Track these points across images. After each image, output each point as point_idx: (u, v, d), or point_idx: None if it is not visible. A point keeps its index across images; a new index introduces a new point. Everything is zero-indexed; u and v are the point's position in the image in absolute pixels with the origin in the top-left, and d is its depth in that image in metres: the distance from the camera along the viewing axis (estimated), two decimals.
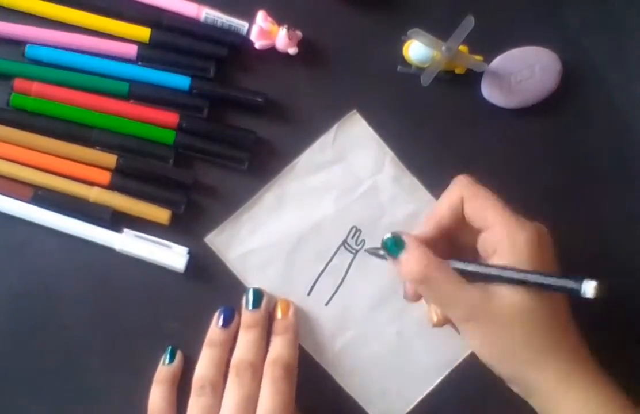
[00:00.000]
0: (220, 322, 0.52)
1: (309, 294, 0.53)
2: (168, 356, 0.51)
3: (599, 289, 0.40)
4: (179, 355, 0.52)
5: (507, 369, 0.46)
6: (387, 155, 0.55)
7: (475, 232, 0.47)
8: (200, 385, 0.49)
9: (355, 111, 0.55)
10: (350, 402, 0.53)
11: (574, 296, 0.41)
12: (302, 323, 0.53)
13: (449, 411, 0.53)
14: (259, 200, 0.54)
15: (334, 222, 0.54)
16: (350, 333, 0.53)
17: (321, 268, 0.54)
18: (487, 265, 0.45)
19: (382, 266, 0.53)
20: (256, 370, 0.50)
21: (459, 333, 0.46)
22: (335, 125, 0.55)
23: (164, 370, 0.51)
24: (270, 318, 0.53)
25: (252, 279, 0.53)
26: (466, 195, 0.47)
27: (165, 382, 0.51)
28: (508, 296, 0.44)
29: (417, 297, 0.48)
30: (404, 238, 0.46)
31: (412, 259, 0.46)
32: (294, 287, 0.53)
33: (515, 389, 0.46)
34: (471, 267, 0.45)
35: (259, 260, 0.53)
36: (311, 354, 0.53)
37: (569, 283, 0.42)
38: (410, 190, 0.55)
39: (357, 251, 0.54)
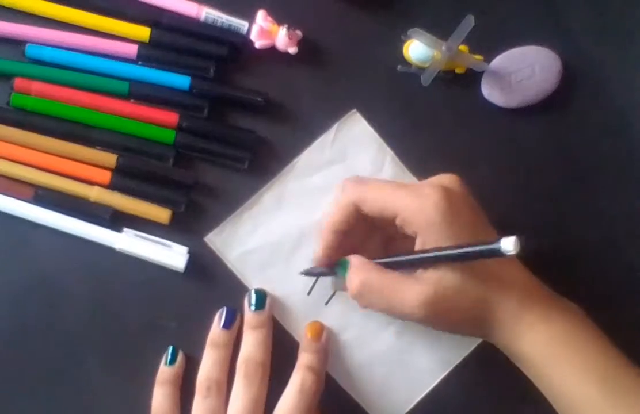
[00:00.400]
0: (223, 322, 0.51)
1: (309, 294, 0.53)
2: (170, 357, 0.51)
3: (518, 243, 0.40)
4: (180, 355, 0.52)
5: (465, 333, 0.48)
6: (387, 155, 0.55)
7: (390, 221, 0.47)
8: (206, 386, 0.49)
9: (355, 110, 0.55)
10: (350, 402, 0.53)
11: (498, 257, 0.42)
12: (302, 323, 0.53)
13: (449, 411, 0.53)
14: (259, 199, 0.54)
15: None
16: (350, 332, 0.53)
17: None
18: (406, 254, 0.46)
19: None
20: (265, 369, 0.50)
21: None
22: (335, 125, 0.55)
23: (167, 371, 0.51)
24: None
25: (252, 279, 0.53)
26: (361, 197, 0.47)
27: (168, 383, 0.51)
28: (449, 279, 0.44)
29: (363, 306, 0.49)
30: (349, 258, 0.48)
31: (354, 273, 0.47)
32: (294, 287, 0.53)
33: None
34: (394, 259, 0.47)
35: (259, 260, 0.53)
36: None
37: (488, 246, 0.42)
38: None
39: None
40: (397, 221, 0.47)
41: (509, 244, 0.40)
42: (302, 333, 0.53)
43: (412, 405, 0.53)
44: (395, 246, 0.50)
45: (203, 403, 0.49)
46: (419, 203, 0.45)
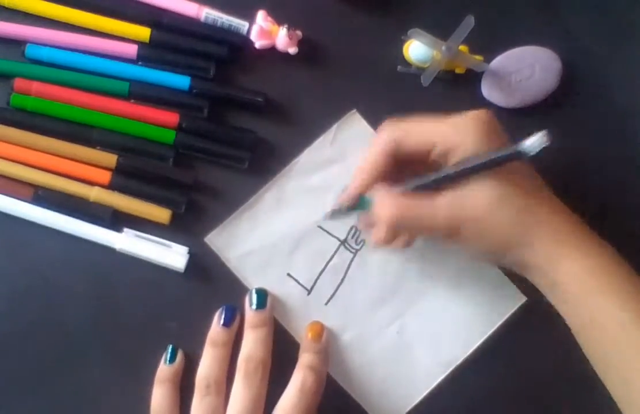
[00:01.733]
0: (222, 321, 0.51)
1: (309, 293, 0.53)
2: (169, 356, 0.51)
3: (540, 140, 0.42)
4: (180, 354, 0.52)
5: (502, 258, 0.47)
6: None
7: (424, 156, 0.47)
8: (205, 385, 0.49)
9: (354, 111, 0.55)
10: (350, 401, 0.53)
11: (526, 158, 0.43)
12: (302, 322, 0.53)
13: (449, 411, 0.53)
14: (258, 199, 0.54)
15: (334, 222, 0.54)
16: (350, 332, 0.53)
17: (321, 267, 0.54)
18: (442, 170, 0.46)
19: (382, 265, 0.53)
20: (265, 369, 0.50)
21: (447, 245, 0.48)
22: (335, 125, 0.55)
23: (166, 370, 0.51)
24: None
25: (252, 279, 0.53)
26: (399, 136, 0.47)
27: (168, 382, 0.51)
28: (478, 191, 0.45)
29: (389, 240, 0.49)
30: (374, 192, 0.48)
31: (385, 207, 0.47)
32: (294, 286, 0.53)
33: (514, 269, 0.48)
34: (430, 178, 0.46)
35: (259, 260, 0.53)
36: None
37: (518, 146, 0.43)
38: None
39: (357, 250, 0.54)
40: (434, 153, 0.47)
41: (535, 139, 0.43)
42: (302, 333, 0.53)
43: (411, 406, 0.53)
44: None
45: (202, 401, 0.49)
46: (457, 130, 0.46)
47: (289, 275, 0.54)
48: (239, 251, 0.53)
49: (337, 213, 0.52)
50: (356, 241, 0.54)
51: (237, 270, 0.53)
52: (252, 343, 0.51)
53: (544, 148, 0.43)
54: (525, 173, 0.47)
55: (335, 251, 0.54)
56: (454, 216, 0.46)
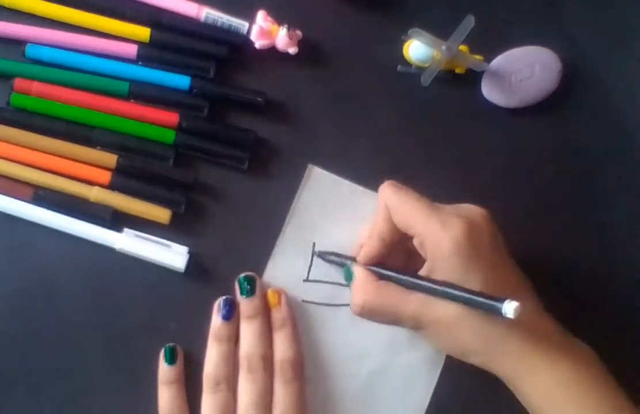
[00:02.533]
0: (223, 315, 0.51)
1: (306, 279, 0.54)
2: (169, 356, 0.51)
3: (519, 310, 0.40)
4: (179, 353, 0.52)
5: (467, 359, 0.47)
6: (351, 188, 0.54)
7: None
8: (214, 382, 0.50)
9: (311, 165, 0.54)
10: None
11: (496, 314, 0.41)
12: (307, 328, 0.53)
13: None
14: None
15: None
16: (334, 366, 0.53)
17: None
18: (416, 277, 0.46)
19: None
20: (267, 362, 0.50)
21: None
22: (299, 189, 0.54)
23: (169, 370, 0.51)
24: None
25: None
26: (390, 205, 0.47)
27: (173, 382, 0.51)
28: (448, 305, 0.44)
29: (363, 317, 0.49)
30: (354, 269, 0.49)
31: (357, 291, 0.48)
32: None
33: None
34: (403, 279, 0.46)
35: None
36: None
37: (492, 303, 0.41)
38: None
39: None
40: (415, 242, 0.46)
41: (510, 309, 0.40)
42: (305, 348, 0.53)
43: None
44: (416, 259, 0.48)
45: (213, 398, 0.49)
46: (440, 233, 0.44)
47: (315, 254, 0.54)
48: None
49: (325, 256, 0.53)
50: None
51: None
52: (250, 336, 0.51)
53: None
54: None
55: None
56: (421, 316, 0.45)
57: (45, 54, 0.53)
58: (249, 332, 0.51)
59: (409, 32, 0.52)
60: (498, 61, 0.55)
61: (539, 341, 0.45)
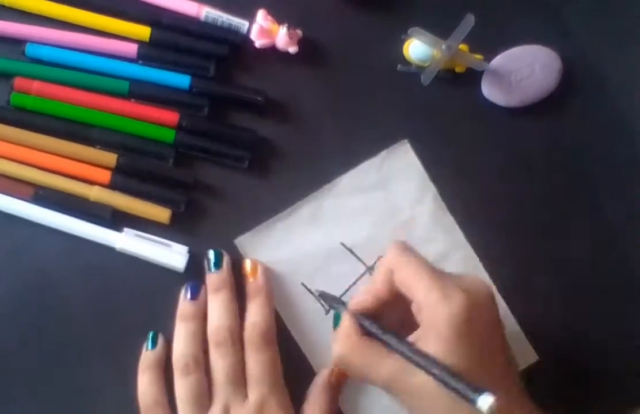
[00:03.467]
0: (189, 295, 0.51)
1: (326, 313, 0.53)
2: (150, 342, 0.51)
3: (493, 407, 0.39)
4: (161, 339, 0.51)
5: None
6: (430, 191, 0.54)
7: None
8: (183, 363, 0.49)
9: (406, 141, 0.54)
10: None
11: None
12: (316, 342, 0.52)
13: None
14: (294, 211, 0.53)
15: (365, 247, 0.53)
16: None
17: (343, 290, 0.53)
18: (402, 343, 0.44)
19: None
20: (234, 334, 0.50)
21: None
22: (384, 151, 0.54)
23: (149, 355, 0.51)
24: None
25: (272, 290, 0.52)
26: (394, 267, 0.46)
27: (152, 367, 0.50)
28: (426, 377, 0.42)
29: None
30: (343, 316, 0.47)
31: (337, 341, 0.46)
32: (312, 304, 0.53)
33: None
34: (387, 341, 0.44)
35: (282, 271, 0.53)
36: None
37: (468, 393, 0.40)
38: (447, 230, 0.54)
39: None
40: (412, 308, 0.45)
41: (485, 404, 0.39)
42: (315, 353, 0.52)
43: None
44: (408, 326, 0.47)
45: (185, 380, 0.49)
46: (439, 305, 0.43)
47: (309, 290, 0.53)
48: (266, 259, 0.53)
49: (326, 297, 0.52)
50: None
51: None
52: (216, 309, 0.51)
53: None
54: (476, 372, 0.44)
55: (360, 278, 0.53)
56: (394, 382, 0.44)
57: (45, 53, 0.53)
58: (215, 305, 0.51)
59: (409, 31, 0.52)
60: (498, 60, 0.55)
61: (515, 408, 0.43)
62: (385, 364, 0.44)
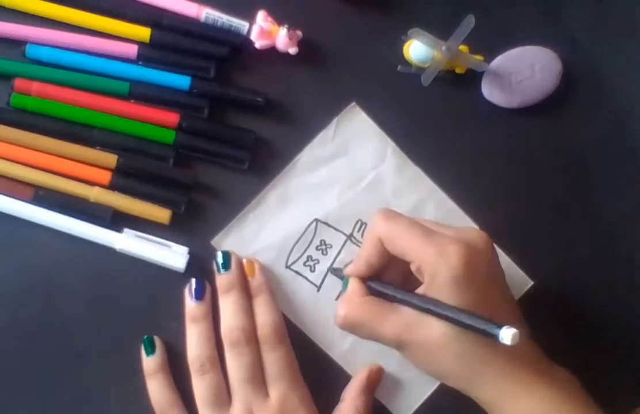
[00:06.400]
0: (194, 295, 0.51)
1: (318, 290, 0.53)
2: (149, 348, 0.51)
3: (516, 338, 0.39)
4: (158, 342, 0.51)
5: (445, 381, 0.47)
6: (389, 146, 0.55)
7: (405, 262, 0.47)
8: (199, 364, 0.50)
9: (354, 103, 0.55)
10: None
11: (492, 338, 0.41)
12: (313, 319, 0.53)
13: (461, 404, 0.53)
14: (262, 199, 0.54)
15: (339, 217, 0.54)
16: None
17: (329, 263, 0.54)
18: (409, 294, 0.45)
19: None
20: (248, 333, 0.50)
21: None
22: (335, 119, 0.55)
23: (151, 362, 0.51)
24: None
25: None
26: (384, 237, 0.47)
27: (158, 372, 0.51)
28: (434, 326, 0.44)
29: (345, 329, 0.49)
30: (350, 279, 0.48)
31: (342, 305, 0.47)
32: (303, 283, 0.53)
33: None
34: (394, 295, 0.45)
35: (266, 259, 0.53)
36: (323, 349, 0.53)
37: (488, 327, 0.41)
38: (413, 179, 0.55)
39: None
40: (412, 267, 0.46)
41: (507, 335, 0.39)
42: (314, 330, 0.53)
43: (424, 398, 0.53)
44: (413, 279, 0.48)
45: (202, 380, 0.50)
46: (437, 261, 0.44)
47: (297, 272, 0.54)
48: (246, 253, 0.53)
49: (335, 272, 0.53)
50: (362, 234, 0.54)
51: None
52: (228, 311, 0.51)
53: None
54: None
55: (342, 246, 0.54)
56: (403, 336, 0.45)
57: (45, 54, 0.53)
58: (226, 307, 0.51)
59: (409, 32, 0.52)
60: (498, 61, 0.55)
61: (521, 367, 0.44)
62: (393, 319, 0.45)
